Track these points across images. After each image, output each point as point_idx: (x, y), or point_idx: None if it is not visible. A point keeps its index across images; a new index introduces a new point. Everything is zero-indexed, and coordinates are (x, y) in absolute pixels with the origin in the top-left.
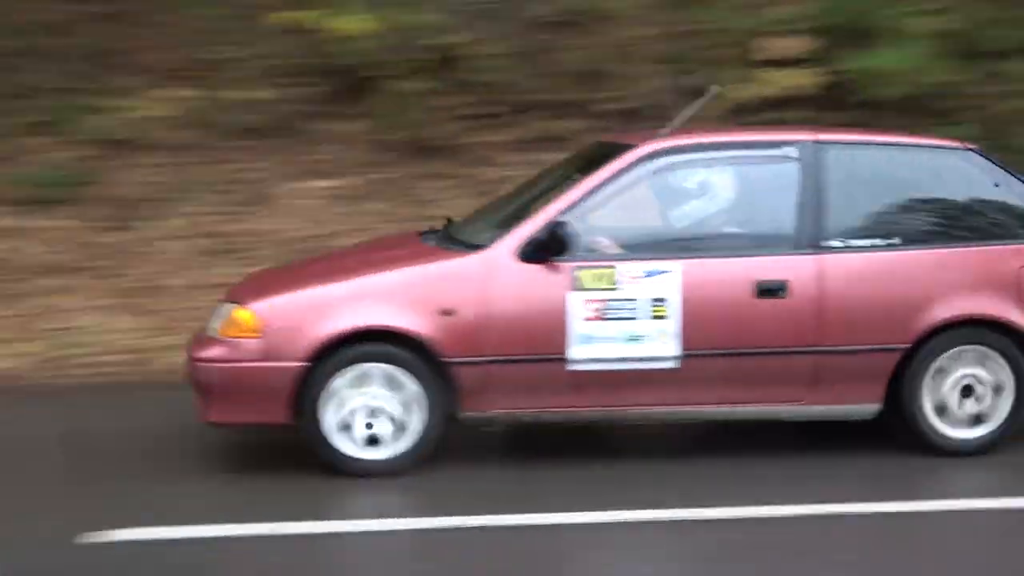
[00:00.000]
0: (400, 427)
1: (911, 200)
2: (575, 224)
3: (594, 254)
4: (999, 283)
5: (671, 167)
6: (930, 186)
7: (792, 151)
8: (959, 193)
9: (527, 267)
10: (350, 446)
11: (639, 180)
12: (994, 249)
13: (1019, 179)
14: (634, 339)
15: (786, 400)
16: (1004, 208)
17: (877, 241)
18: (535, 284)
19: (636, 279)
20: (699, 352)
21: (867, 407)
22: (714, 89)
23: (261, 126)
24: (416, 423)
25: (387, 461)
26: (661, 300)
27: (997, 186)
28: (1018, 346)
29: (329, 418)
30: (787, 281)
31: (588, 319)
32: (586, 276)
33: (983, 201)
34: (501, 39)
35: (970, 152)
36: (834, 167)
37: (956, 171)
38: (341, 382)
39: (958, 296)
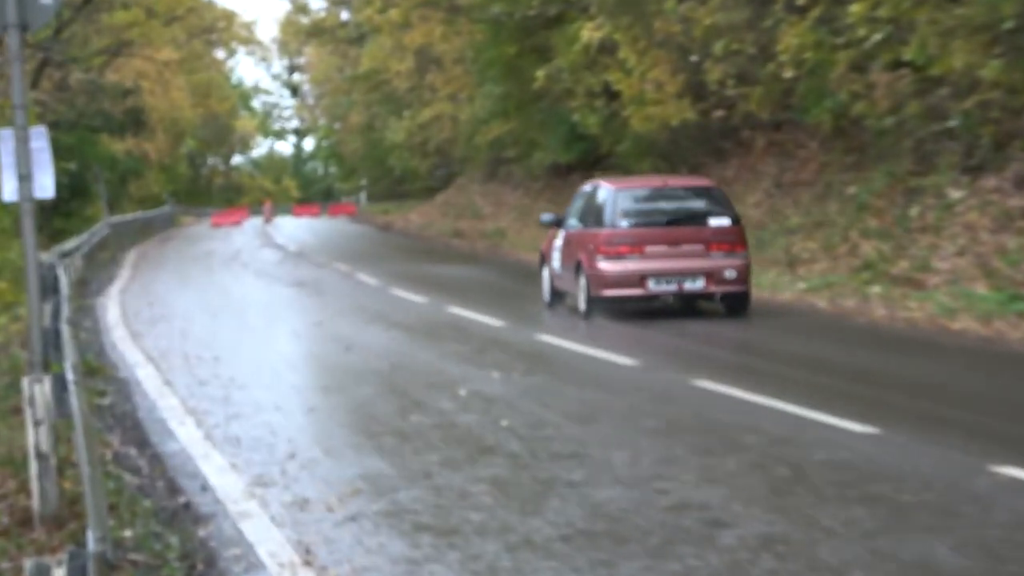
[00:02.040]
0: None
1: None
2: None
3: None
4: (552, 244)
5: (580, 194)
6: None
7: (589, 187)
8: (585, 205)
9: (552, 229)
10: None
11: (577, 198)
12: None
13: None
14: (556, 259)
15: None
16: (594, 210)
17: (571, 222)
18: (553, 235)
19: (558, 235)
20: (563, 267)
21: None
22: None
23: None
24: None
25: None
26: (559, 244)
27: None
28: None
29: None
30: (563, 242)
31: (554, 250)
32: (555, 233)
33: (589, 205)
34: None
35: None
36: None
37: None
38: None
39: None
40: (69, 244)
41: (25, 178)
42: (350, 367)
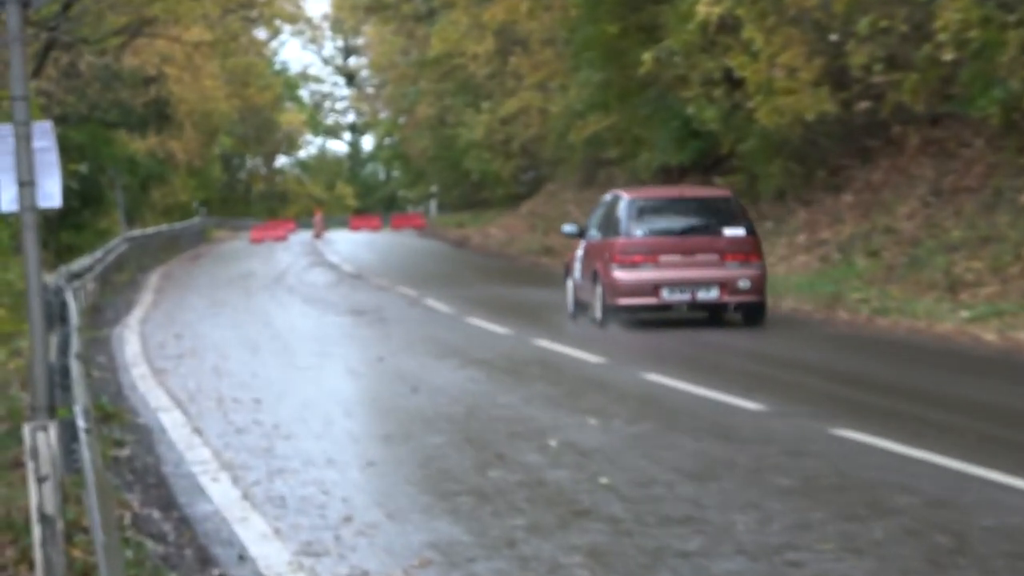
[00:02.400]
0: None
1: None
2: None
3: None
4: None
5: (601, 204)
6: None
7: (609, 197)
8: (604, 214)
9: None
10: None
11: (598, 208)
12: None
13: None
14: (577, 270)
15: None
16: (612, 219)
17: (592, 232)
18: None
19: (580, 246)
20: (583, 276)
21: None
22: None
23: None
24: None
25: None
26: (579, 254)
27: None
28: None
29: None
30: (583, 252)
31: (575, 260)
32: (578, 244)
33: (608, 215)
34: None
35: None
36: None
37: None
38: None
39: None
40: (80, 263)
41: (27, 184)
42: (417, 412)
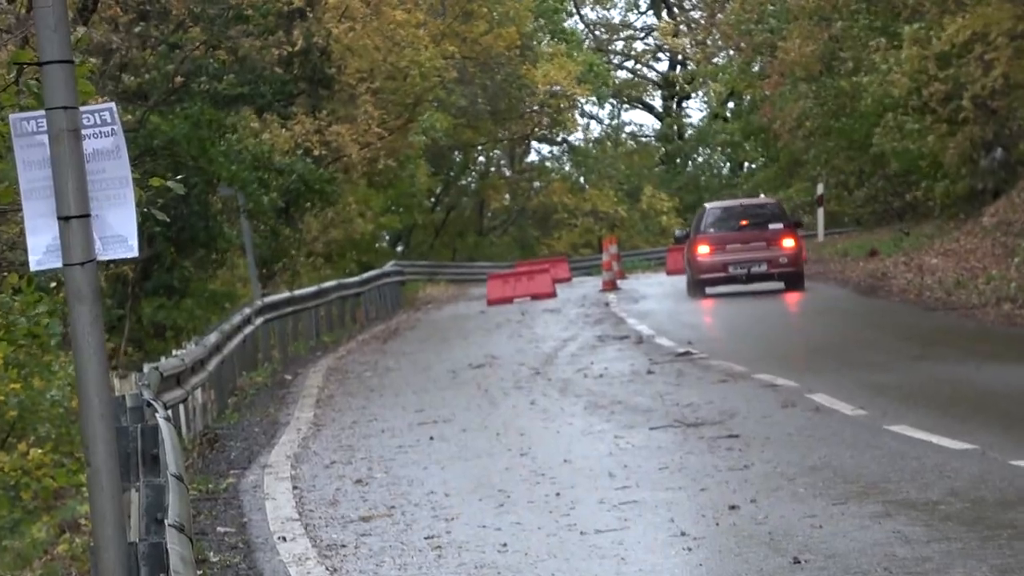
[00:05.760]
0: None
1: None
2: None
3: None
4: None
5: (697, 212)
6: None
7: (700, 209)
8: (696, 219)
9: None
10: None
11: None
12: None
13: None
14: (685, 260)
15: None
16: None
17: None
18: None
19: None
20: (686, 265)
21: None
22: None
23: None
24: None
25: None
26: (685, 250)
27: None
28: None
29: None
30: (687, 248)
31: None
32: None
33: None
34: None
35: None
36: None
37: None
38: None
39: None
40: (178, 358)
41: (76, 220)
42: None
